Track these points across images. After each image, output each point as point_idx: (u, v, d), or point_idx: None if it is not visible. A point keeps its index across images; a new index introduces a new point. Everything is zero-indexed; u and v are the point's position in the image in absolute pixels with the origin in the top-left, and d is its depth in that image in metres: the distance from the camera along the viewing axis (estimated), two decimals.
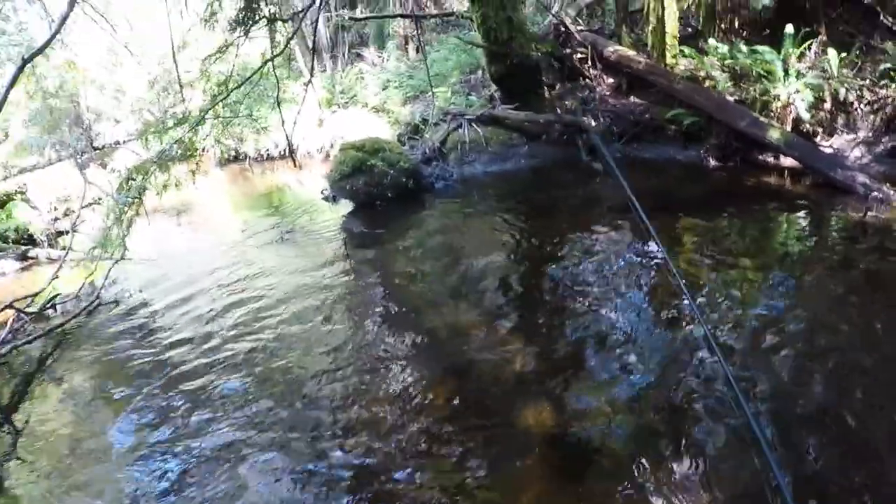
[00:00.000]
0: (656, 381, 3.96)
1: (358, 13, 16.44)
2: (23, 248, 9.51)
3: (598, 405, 3.79)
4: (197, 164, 7.07)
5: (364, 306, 5.69)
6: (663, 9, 8.91)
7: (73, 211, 9.50)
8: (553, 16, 10.71)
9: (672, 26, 9.05)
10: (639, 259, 5.77)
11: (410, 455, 3.58)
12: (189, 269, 7.47)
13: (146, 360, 5.27)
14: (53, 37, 6.70)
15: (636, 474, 3.21)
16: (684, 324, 4.55)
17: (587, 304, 5.07)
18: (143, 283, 7.14)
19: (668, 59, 9.09)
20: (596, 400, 3.84)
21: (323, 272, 6.53)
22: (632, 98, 9.30)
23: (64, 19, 6.42)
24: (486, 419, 3.82)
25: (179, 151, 6.63)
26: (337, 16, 16.28)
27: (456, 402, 4.03)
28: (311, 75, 8.85)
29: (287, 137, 8.04)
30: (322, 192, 9.17)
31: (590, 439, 3.54)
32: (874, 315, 4.49)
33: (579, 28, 10.57)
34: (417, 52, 14.48)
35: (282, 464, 3.67)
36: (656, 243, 5.68)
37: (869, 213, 6.15)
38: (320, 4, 10.09)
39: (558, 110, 9.51)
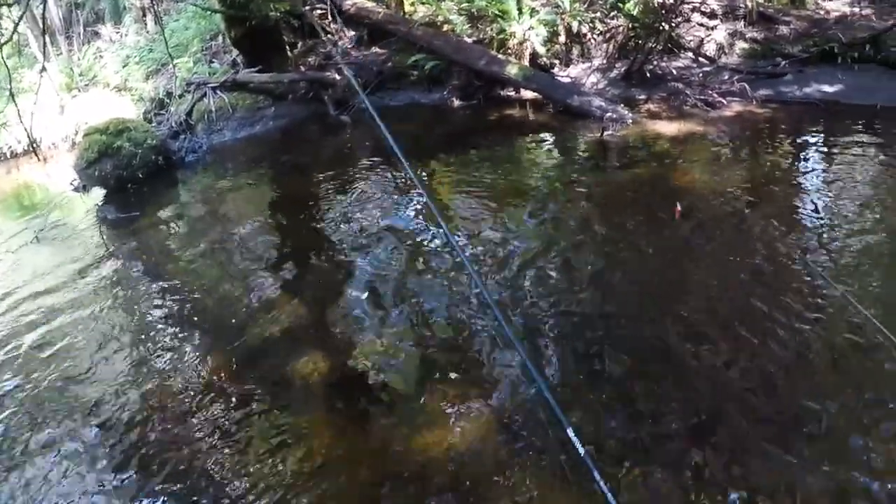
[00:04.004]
0: (428, 319, 3.89)
1: None
2: None
3: (372, 347, 3.70)
4: None
5: (130, 295, 5.02)
6: None
7: None
8: None
9: None
10: (398, 202, 5.70)
11: (193, 430, 3.31)
12: None
13: None
14: None
15: (418, 407, 3.18)
16: (450, 262, 4.47)
17: (351, 252, 4.93)
18: None
19: (406, 7, 8.95)
20: (370, 343, 3.75)
21: (83, 266, 5.70)
22: (374, 49, 8.93)
23: None
24: (263, 381, 3.61)
25: None
26: None
27: (230, 370, 3.76)
28: (45, 59, 7.59)
29: (26, 130, 6.89)
30: (71, 183, 8.16)
31: (369, 380, 3.47)
32: (616, 224, 4.70)
33: None
34: (156, 23, 13.24)
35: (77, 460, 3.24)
36: (417, 184, 5.46)
37: (606, 133, 6.32)
38: None
39: (302, 68, 8.97)
